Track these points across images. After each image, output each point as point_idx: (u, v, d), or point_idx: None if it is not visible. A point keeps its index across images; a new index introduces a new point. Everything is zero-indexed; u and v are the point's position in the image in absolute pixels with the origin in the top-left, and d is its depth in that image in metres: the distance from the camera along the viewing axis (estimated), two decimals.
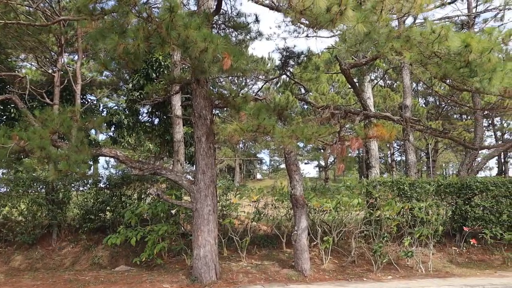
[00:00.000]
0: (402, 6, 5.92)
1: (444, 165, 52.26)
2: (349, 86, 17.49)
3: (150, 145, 21.90)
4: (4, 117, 16.13)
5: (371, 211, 10.32)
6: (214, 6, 9.04)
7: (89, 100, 20.43)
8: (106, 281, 8.61)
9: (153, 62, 14.79)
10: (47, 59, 16.55)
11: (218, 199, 9.80)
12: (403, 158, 35.71)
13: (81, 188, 11.80)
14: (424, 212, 9.97)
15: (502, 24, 16.04)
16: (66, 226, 11.36)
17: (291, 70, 16.27)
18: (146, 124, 17.01)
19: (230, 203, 11.06)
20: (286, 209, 11.28)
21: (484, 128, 29.02)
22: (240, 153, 47.35)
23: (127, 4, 6.22)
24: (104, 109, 21.77)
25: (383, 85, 30.24)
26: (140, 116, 17.09)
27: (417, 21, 15.30)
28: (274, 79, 18.69)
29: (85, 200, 11.46)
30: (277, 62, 17.86)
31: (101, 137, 29.93)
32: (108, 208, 11.46)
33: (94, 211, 11.25)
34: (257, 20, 13.96)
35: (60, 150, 7.94)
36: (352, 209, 10.21)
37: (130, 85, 15.33)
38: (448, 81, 8.92)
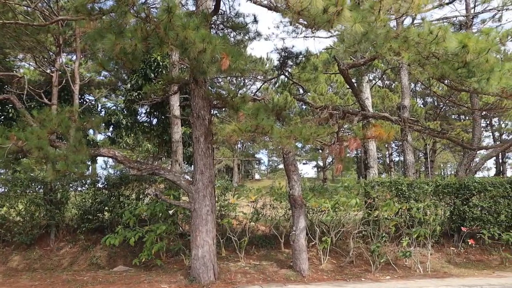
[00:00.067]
0: (400, 6, 5.92)
1: (442, 165, 52.33)
2: (348, 87, 17.47)
3: (149, 145, 21.87)
4: (2, 117, 16.14)
5: (369, 211, 10.33)
6: (213, 6, 9.04)
7: (87, 100, 20.43)
8: (104, 281, 8.60)
9: (152, 62, 14.79)
10: (45, 59, 16.54)
11: (216, 199, 9.80)
12: (401, 158, 35.75)
13: (79, 188, 11.78)
14: (422, 213, 9.98)
15: (500, 25, 16.06)
16: (64, 226, 11.33)
17: (289, 70, 16.26)
18: (145, 124, 17.01)
19: (229, 203, 11.05)
20: (284, 210, 11.28)
21: (482, 129, 29.16)
22: (239, 153, 47.38)
23: (126, 4, 6.21)
24: (102, 109, 21.81)
25: (382, 85, 30.27)
26: (138, 116, 17.11)
27: (415, 21, 15.32)
28: (273, 79, 18.71)
29: (83, 200, 11.44)
30: (276, 63, 17.88)
31: (99, 137, 29.88)
32: (106, 208, 11.43)
33: (92, 211, 11.23)
34: (255, 21, 13.97)
35: (58, 150, 7.94)
36: (350, 209, 10.22)
37: (129, 85, 15.33)
38: (446, 81, 8.96)
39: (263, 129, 6.86)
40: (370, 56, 9.95)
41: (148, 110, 16.31)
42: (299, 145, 37.61)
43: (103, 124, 15.69)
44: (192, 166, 9.39)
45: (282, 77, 17.12)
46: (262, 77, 22.03)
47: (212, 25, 11.97)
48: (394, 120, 9.91)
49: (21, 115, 8.60)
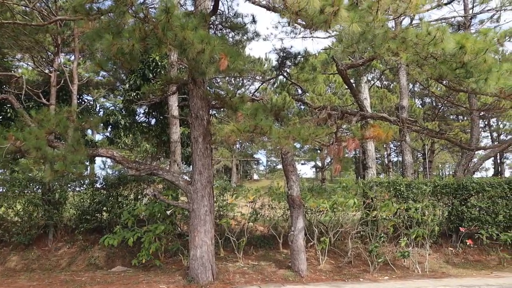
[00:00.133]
0: (398, 6, 5.93)
1: (440, 165, 52.41)
2: (346, 87, 17.50)
3: (147, 145, 21.88)
4: (0, 117, 16.10)
5: (368, 211, 10.34)
6: (211, 7, 9.03)
7: (86, 100, 20.39)
8: (103, 281, 8.58)
9: (150, 63, 14.79)
10: (44, 59, 16.51)
11: (215, 199, 9.79)
12: (400, 158, 35.78)
13: (77, 189, 11.75)
14: (421, 213, 10.00)
15: (498, 25, 16.11)
16: (62, 227, 11.31)
17: (288, 70, 16.28)
18: (143, 124, 17.01)
19: (227, 203, 11.05)
20: (282, 210, 11.28)
21: (480, 129, 29.20)
22: (237, 154, 47.37)
23: (124, 4, 6.21)
24: (100, 110, 21.75)
25: (380, 86, 30.27)
26: (137, 117, 17.10)
27: (414, 21, 15.35)
28: (271, 80, 18.72)
29: (82, 200, 11.42)
30: (274, 63, 17.90)
31: (98, 137, 29.83)
32: (104, 208, 11.42)
33: (90, 212, 11.21)
34: (254, 21, 14.01)
35: (57, 150, 7.93)
36: (349, 209, 10.23)
37: (127, 85, 15.32)
38: (444, 82, 8.95)
39: (262, 129, 6.86)
40: (368, 57, 9.96)
41: (146, 110, 16.31)
42: (298, 145, 37.64)
43: (102, 124, 15.68)
44: (191, 166, 9.39)
45: (281, 77, 17.14)
46: (260, 77, 22.01)
47: (211, 25, 11.99)
48: (392, 120, 9.91)
49: (19, 115, 8.60)
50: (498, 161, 36.83)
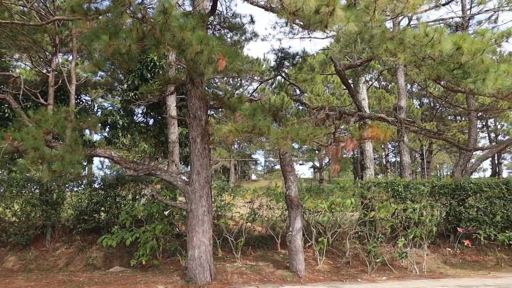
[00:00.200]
0: (395, 6, 5.95)
1: (438, 166, 52.50)
2: (344, 87, 17.53)
3: (145, 145, 21.84)
4: None
5: (366, 212, 10.35)
6: (209, 7, 9.04)
7: (84, 101, 20.35)
8: (100, 282, 8.57)
9: (148, 63, 14.78)
10: (42, 59, 16.48)
11: (213, 200, 9.79)
12: (398, 159, 35.82)
13: (75, 189, 11.75)
14: (419, 213, 10.01)
15: (496, 26, 16.16)
16: (60, 227, 11.30)
17: (286, 71, 16.26)
18: (141, 124, 16.99)
19: (225, 203, 11.04)
20: (281, 210, 11.28)
21: (478, 130, 29.23)
22: (235, 154, 47.36)
23: (122, 5, 6.20)
24: (98, 110, 21.73)
25: (378, 86, 30.30)
26: (135, 117, 17.09)
27: (412, 22, 15.38)
28: (269, 80, 18.67)
29: (79, 200, 11.41)
30: (272, 63, 17.84)
31: (96, 137, 29.79)
32: (102, 208, 11.41)
33: (88, 212, 11.20)
34: (252, 21, 13.98)
35: (54, 150, 7.91)
36: (347, 210, 10.24)
37: (125, 85, 15.30)
38: (442, 82, 8.98)
39: (260, 129, 6.86)
40: (366, 57, 9.96)
41: (144, 110, 16.30)
42: (296, 145, 37.68)
43: (100, 125, 15.67)
44: (189, 166, 9.38)
45: (279, 77, 17.10)
46: (259, 77, 21.96)
47: (209, 26, 11.97)
48: (390, 121, 9.93)
49: (17, 115, 8.57)
50: (496, 161, 36.91)
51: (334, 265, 10.08)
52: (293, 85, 16.65)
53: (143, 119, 16.95)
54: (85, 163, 17.00)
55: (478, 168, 19.34)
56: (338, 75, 10.57)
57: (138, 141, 21.80)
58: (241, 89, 29.68)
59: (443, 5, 15.29)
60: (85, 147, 8.92)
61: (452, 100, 20.78)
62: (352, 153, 34.59)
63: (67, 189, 11.61)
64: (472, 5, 15.49)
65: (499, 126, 34.83)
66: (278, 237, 11.04)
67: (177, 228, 11.07)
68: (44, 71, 15.74)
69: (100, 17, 6.87)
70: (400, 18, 14.32)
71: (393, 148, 39.17)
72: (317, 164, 48.98)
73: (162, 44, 6.35)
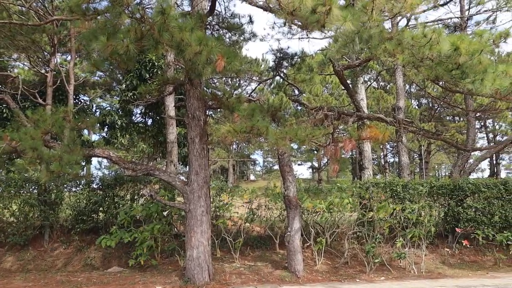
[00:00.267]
0: (393, 6, 5.95)
1: (436, 166, 52.55)
2: (343, 88, 17.53)
3: (143, 145, 21.83)
4: None
5: (364, 212, 10.35)
6: (208, 7, 9.03)
7: (82, 101, 20.36)
8: (99, 282, 8.57)
9: (147, 63, 14.78)
10: (40, 59, 16.47)
11: (211, 200, 9.79)
12: (396, 159, 35.88)
13: (73, 189, 11.72)
14: (417, 214, 10.02)
15: (494, 27, 16.19)
16: (58, 227, 11.28)
17: (284, 71, 16.26)
18: (139, 124, 16.98)
19: (224, 204, 11.03)
20: (279, 210, 11.28)
21: (476, 130, 29.31)
22: (234, 154, 47.34)
23: (120, 5, 6.20)
24: (97, 110, 21.75)
25: (377, 86, 30.34)
26: (133, 117, 17.07)
27: (410, 23, 15.39)
28: (268, 80, 18.68)
29: (78, 201, 11.38)
30: (271, 63, 17.85)
31: (94, 137, 29.76)
32: (100, 209, 11.38)
33: (86, 212, 11.17)
34: (251, 21, 13.96)
35: (53, 150, 7.89)
36: (345, 210, 10.24)
37: (123, 85, 15.30)
38: (440, 83, 8.99)
39: (258, 130, 6.85)
40: (365, 58, 9.98)
41: (143, 110, 16.28)
42: (295, 146, 37.70)
43: (98, 125, 15.63)
44: (187, 166, 9.38)
45: (278, 78, 17.10)
46: (257, 78, 21.99)
47: (208, 26, 11.97)
48: (389, 121, 9.94)
49: (15, 115, 8.57)
50: (494, 162, 36.95)
51: (333, 266, 10.09)
52: (292, 86, 16.66)
53: (142, 119, 16.94)
54: (83, 163, 17.02)
55: (476, 168, 19.36)
56: (336, 75, 10.58)
57: (136, 141, 21.80)
58: (239, 89, 29.73)
59: (442, 5, 15.31)
60: (84, 147, 8.89)
61: (451, 100, 20.84)
62: (350, 153, 34.67)
63: (65, 189, 11.59)
64: (471, 6, 15.52)
65: (497, 127, 34.84)
66: (276, 238, 11.03)
67: (175, 228, 11.06)
68: (43, 71, 15.74)
69: (99, 17, 6.86)
70: (399, 18, 14.35)
71: (391, 149, 39.20)
72: (316, 165, 48.98)
73: (160, 45, 6.35)
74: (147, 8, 11.18)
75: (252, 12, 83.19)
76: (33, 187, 11.23)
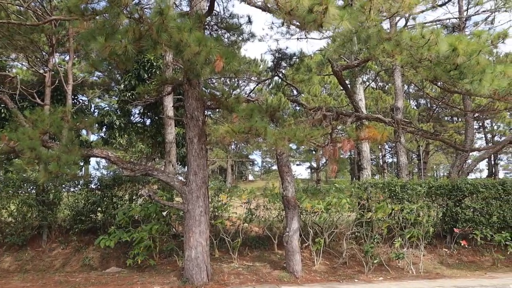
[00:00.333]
0: (391, 6, 5.96)
1: (435, 167, 52.62)
2: (341, 88, 17.54)
3: (142, 146, 21.83)
4: None
5: (363, 212, 10.36)
6: (207, 7, 9.03)
7: (81, 101, 20.35)
8: (97, 282, 8.56)
9: (145, 63, 14.77)
10: (38, 59, 16.43)
11: (209, 200, 9.78)
12: (395, 160, 35.92)
13: (72, 189, 11.71)
14: (415, 214, 10.02)
15: (493, 27, 16.23)
16: (56, 227, 11.26)
17: (283, 71, 16.26)
18: (138, 125, 16.96)
19: (222, 204, 11.03)
20: (277, 211, 11.28)
21: (475, 130, 29.36)
22: (232, 154, 47.35)
23: (119, 5, 6.19)
24: (95, 110, 21.72)
25: (375, 87, 30.38)
26: (131, 117, 17.06)
27: (408, 23, 15.41)
28: (267, 81, 18.68)
29: (76, 201, 11.37)
30: (270, 64, 17.87)
31: (93, 138, 29.74)
32: (99, 209, 11.37)
33: (85, 212, 11.16)
34: (249, 21, 13.96)
35: (51, 150, 7.89)
36: (343, 210, 10.25)
37: (122, 85, 15.29)
38: (439, 83, 9.00)
39: (257, 130, 6.86)
40: (363, 58, 9.98)
41: (141, 110, 16.28)
42: (293, 146, 37.68)
43: (96, 125, 15.62)
44: (186, 167, 9.37)
45: (276, 78, 17.10)
46: (256, 78, 21.98)
47: (206, 26, 11.96)
48: (387, 121, 9.94)
49: (13, 115, 8.56)
50: (492, 162, 37.05)
51: (331, 266, 10.09)
52: (290, 86, 16.66)
53: (140, 119, 16.93)
54: (81, 164, 16.95)
55: (475, 169, 19.40)
56: (335, 75, 10.58)
57: (135, 142, 21.80)
58: (238, 90, 29.70)
59: (440, 5, 15.34)
60: (82, 147, 8.91)
61: (449, 101, 20.86)
62: (349, 153, 34.68)
63: (63, 190, 11.57)
64: (469, 6, 15.55)
65: (495, 127, 34.94)
66: (275, 238, 11.04)
67: (174, 229, 11.06)
68: (41, 71, 15.70)
69: (97, 17, 6.85)
70: (397, 19, 14.37)
71: (390, 149, 39.26)
72: (314, 165, 49.01)
73: (159, 45, 6.34)
74: (145, 8, 11.21)
75: (250, 12, 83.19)
76: (31, 187, 11.21)
